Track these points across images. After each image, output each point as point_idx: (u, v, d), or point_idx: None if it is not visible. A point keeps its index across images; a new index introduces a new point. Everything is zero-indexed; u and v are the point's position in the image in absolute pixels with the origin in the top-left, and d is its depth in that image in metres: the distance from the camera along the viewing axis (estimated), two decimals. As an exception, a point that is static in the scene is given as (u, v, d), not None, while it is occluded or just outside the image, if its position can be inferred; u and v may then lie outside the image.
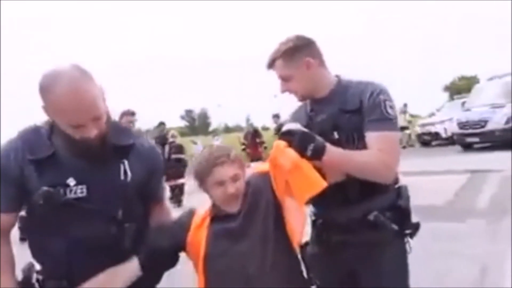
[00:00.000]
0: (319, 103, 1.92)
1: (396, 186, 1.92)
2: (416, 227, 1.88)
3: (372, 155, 1.75)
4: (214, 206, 1.80)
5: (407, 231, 1.87)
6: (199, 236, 1.74)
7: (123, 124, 4.28)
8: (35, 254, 1.68)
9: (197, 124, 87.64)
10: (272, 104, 12.45)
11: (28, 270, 1.67)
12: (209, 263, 1.71)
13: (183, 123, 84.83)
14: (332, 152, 1.71)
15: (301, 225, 1.72)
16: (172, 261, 1.76)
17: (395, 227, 1.82)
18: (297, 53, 1.86)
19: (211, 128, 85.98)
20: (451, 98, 25.18)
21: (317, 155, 1.68)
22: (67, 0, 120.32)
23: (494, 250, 4.46)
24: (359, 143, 1.80)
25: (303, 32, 1.96)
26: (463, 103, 15.40)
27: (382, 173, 1.78)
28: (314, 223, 2.00)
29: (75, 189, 1.57)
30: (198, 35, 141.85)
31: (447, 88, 54.85)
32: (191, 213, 1.82)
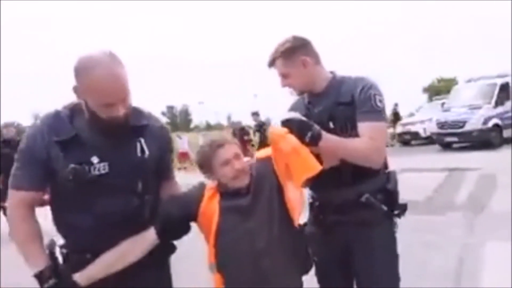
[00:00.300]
0: (316, 97, 2.12)
1: (386, 171, 2.11)
2: (403, 208, 2.08)
3: (363, 142, 1.94)
4: (220, 184, 1.93)
5: (396, 212, 2.06)
6: (211, 208, 1.88)
7: None
8: (60, 229, 1.81)
9: (179, 121, 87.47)
10: (252, 103, 12.62)
11: (51, 245, 1.78)
12: (220, 237, 1.85)
13: (164, 120, 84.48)
14: (328, 138, 1.90)
15: (299, 205, 1.89)
16: (185, 229, 1.89)
17: (384, 208, 2.02)
18: (294, 52, 2.05)
19: (192, 125, 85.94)
20: (430, 99, 25.68)
21: (314, 141, 1.86)
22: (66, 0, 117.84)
23: (471, 242, 4.68)
24: (352, 131, 1.99)
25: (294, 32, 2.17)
26: (443, 104, 15.78)
27: (372, 158, 1.97)
28: (311, 205, 2.19)
29: (98, 166, 1.70)
30: (183, 35, 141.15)
31: (426, 90, 55.72)
32: (202, 186, 1.95)
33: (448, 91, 18.83)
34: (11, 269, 3.57)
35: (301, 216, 1.94)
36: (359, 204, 2.01)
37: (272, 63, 2.09)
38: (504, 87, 13.94)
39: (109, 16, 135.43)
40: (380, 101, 2.00)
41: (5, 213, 6.95)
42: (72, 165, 1.66)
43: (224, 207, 1.88)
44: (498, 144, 12.99)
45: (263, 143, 13.36)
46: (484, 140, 13.03)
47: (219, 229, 1.85)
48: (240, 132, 13.24)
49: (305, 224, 2.04)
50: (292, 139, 1.84)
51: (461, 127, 13.58)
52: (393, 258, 2.09)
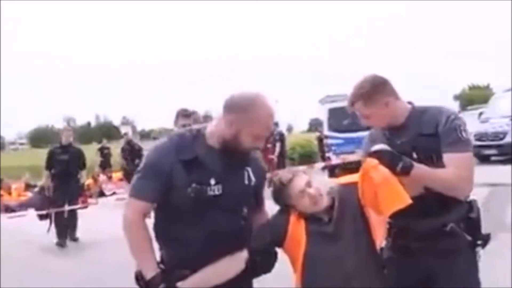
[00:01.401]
0: (397, 129, 2.18)
1: (468, 199, 2.14)
2: (486, 238, 2.12)
3: (451, 173, 2.00)
4: (302, 212, 2.05)
5: (479, 242, 2.10)
6: (298, 233, 2.01)
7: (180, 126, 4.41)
8: (166, 241, 2.01)
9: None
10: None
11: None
12: (308, 261, 1.99)
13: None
14: (418, 169, 1.99)
15: (381, 232, 2.07)
16: (274, 256, 2.02)
17: (468, 237, 2.06)
18: (375, 95, 2.12)
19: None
20: (463, 107, 25.10)
21: (406, 171, 1.97)
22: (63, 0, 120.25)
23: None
24: (437, 162, 2.05)
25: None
26: (480, 114, 15.36)
27: (460, 188, 2.04)
28: (389, 230, 2.24)
29: (214, 188, 1.91)
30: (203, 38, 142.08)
31: (457, 97, 54.74)
32: (287, 210, 2.07)
33: (482, 99, 18.32)
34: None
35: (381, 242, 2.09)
36: (443, 233, 2.06)
37: (352, 105, 2.18)
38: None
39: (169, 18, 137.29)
40: (465, 131, 2.07)
41: (51, 220, 7.54)
42: (194, 184, 1.87)
43: (310, 232, 2.01)
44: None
45: (282, 155, 13.32)
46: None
47: (308, 253, 1.99)
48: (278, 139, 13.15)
49: (381, 249, 2.15)
50: (383, 169, 1.96)
51: (501, 139, 13.21)
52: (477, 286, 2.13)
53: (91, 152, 17.78)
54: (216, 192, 1.91)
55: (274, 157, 12.88)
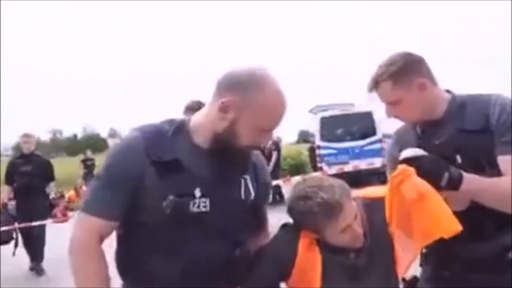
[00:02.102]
0: (433, 125, 1.71)
1: None
2: None
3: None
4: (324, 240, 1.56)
5: None
6: (309, 261, 1.53)
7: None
8: (132, 279, 1.45)
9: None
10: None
11: None
12: None
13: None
14: (470, 181, 1.52)
15: (411, 260, 1.57)
16: None
17: None
18: (409, 73, 1.66)
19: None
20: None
21: (453, 185, 1.50)
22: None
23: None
24: (490, 168, 1.58)
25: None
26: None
27: None
28: (426, 256, 1.77)
29: (199, 202, 1.39)
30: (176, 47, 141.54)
31: None
32: (295, 231, 1.56)
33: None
34: None
35: (411, 269, 1.62)
36: (503, 263, 1.58)
37: (374, 86, 1.69)
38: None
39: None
40: None
41: (16, 243, 6.38)
42: (171, 196, 1.35)
43: (327, 263, 1.51)
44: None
45: (278, 165, 12.91)
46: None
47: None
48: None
49: (415, 278, 1.71)
50: (421, 183, 1.46)
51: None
52: None
53: (76, 164, 17.32)
54: (202, 209, 1.38)
55: (269, 167, 12.46)
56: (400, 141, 1.77)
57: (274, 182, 11.45)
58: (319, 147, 13.11)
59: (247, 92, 1.34)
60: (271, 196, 1.70)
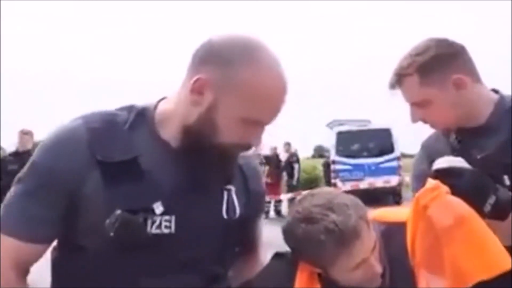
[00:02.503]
0: (473, 134, 1.37)
1: None
2: None
3: None
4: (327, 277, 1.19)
5: None
6: None
7: None
8: None
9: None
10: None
11: None
12: None
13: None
14: None
15: None
16: None
17: None
18: (442, 66, 1.34)
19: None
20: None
21: (500, 213, 1.17)
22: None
23: None
24: None
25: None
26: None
27: None
28: None
29: (160, 220, 0.99)
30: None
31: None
32: (292, 265, 1.19)
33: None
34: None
35: None
36: None
37: (397, 82, 1.37)
38: None
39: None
40: None
41: None
42: (119, 211, 0.95)
43: None
44: None
45: (298, 179, 12.66)
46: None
47: None
48: (275, 162, 12.42)
49: None
50: (459, 204, 1.12)
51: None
52: None
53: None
54: (164, 230, 0.99)
55: (294, 181, 12.35)
56: (430, 153, 1.44)
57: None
58: (334, 162, 12.87)
59: (230, 67, 0.97)
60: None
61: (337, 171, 12.72)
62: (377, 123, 13.19)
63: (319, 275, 1.19)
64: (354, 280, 1.15)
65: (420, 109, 1.38)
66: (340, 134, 12.86)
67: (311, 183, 17.17)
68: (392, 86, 1.39)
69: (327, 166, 14.16)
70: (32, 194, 1.00)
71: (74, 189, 0.98)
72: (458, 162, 1.24)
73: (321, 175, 17.01)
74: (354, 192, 9.42)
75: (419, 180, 1.36)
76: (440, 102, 1.35)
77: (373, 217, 1.25)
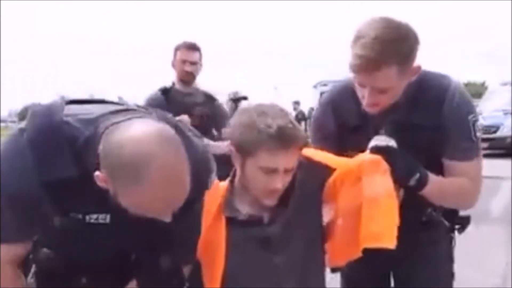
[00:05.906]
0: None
1: None
2: (466, 221, 1.76)
3: (466, 185, 1.52)
4: (228, 204, 1.38)
5: (457, 226, 1.76)
6: (213, 239, 1.35)
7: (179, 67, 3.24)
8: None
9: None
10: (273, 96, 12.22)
11: None
12: (230, 280, 1.35)
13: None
14: (433, 182, 1.44)
15: (351, 258, 1.41)
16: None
17: (446, 223, 1.71)
18: (414, 56, 1.38)
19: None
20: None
21: (420, 187, 1.42)
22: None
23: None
24: (431, 168, 1.46)
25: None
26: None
27: (472, 203, 1.60)
28: None
29: (97, 216, 1.15)
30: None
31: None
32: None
33: (477, 95, 18.13)
34: None
35: None
36: (420, 223, 1.63)
37: (377, 68, 1.31)
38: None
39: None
40: (479, 128, 1.50)
41: None
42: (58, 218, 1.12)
43: (236, 237, 1.35)
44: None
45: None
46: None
47: (229, 269, 1.34)
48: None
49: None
50: (387, 183, 1.34)
51: (493, 132, 12.96)
52: (451, 273, 1.77)
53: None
54: (100, 221, 1.15)
55: None
56: (337, 111, 1.57)
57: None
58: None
59: (115, 180, 1.00)
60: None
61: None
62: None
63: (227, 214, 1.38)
64: (257, 184, 1.33)
65: (379, 95, 1.39)
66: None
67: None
68: (373, 70, 1.32)
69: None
70: (8, 210, 1.11)
71: (35, 204, 1.10)
72: (392, 141, 1.40)
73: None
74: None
75: (318, 130, 1.62)
76: (398, 88, 1.40)
77: (304, 152, 1.40)
